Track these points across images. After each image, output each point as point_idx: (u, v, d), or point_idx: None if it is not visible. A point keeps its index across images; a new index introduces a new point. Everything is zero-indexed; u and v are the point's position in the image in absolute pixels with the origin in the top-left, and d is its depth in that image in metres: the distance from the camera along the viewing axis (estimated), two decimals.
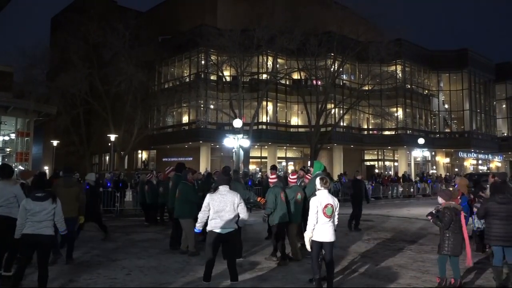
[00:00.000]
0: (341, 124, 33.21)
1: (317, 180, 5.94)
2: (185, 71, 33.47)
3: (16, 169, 22.18)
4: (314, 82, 30.24)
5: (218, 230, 5.57)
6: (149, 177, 13.97)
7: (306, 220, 6.00)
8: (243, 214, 5.72)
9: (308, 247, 5.78)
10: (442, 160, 40.69)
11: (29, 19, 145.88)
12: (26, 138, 31.15)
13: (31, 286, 5.80)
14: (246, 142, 22.86)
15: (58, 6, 63.18)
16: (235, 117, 25.43)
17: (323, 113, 29.48)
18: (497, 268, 6.02)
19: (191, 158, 31.90)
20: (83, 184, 10.03)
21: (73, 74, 27.76)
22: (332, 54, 29.64)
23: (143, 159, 38.37)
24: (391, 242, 9.89)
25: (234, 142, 21.81)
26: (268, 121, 32.11)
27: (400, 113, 35.72)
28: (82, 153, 33.83)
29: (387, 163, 37.96)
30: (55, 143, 37.31)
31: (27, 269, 5.74)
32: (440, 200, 6.24)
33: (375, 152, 37.57)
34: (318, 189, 5.87)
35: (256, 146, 31.81)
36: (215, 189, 5.79)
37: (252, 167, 31.74)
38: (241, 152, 23.59)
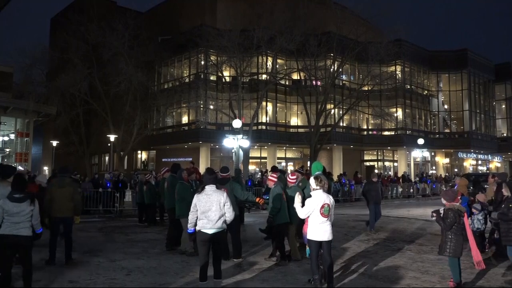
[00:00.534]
0: (341, 124, 33.22)
1: (312, 180, 5.91)
2: (185, 71, 33.46)
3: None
4: (314, 82, 30.23)
5: (205, 230, 5.56)
6: (148, 178, 14.00)
7: (303, 221, 6.03)
8: (229, 213, 5.69)
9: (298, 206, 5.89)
10: (442, 160, 40.71)
11: (29, 19, 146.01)
12: (25, 139, 31.16)
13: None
14: (245, 143, 22.86)
15: (58, 6, 63.28)
16: (235, 118, 25.42)
17: (322, 113, 29.47)
18: None
19: (190, 159, 31.85)
20: (83, 184, 10.00)
21: (73, 74, 27.71)
22: (332, 54, 29.62)
23: (143, 159, 38.37)
24: (391, 242, 9.88)
25: (234, 143, 21.82)
26: (267, 122, 32.11)
27: (399, 113, 35.74)
28: (81, 153, 33.80)
29: (386, 163, 37.99)
30: (54, 143, 37.30)
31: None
32: (443, 201, 6.20)
33: (375, 153, 37.58)
34: (314, 189, 5.84)
35: (255, 147, 31.81)
36: (202, 189, 5.78)
37: (251, 167, 31.75)
38: (241, 153, 23.60)
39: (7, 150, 31.81)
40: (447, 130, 39.97)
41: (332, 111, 32.00)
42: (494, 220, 7.70)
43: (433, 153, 39.65)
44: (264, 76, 31.29)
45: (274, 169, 11.27)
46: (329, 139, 30.96)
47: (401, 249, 8.98)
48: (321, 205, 5.66)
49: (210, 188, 5.71)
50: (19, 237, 5.33)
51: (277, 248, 7.76)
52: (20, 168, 25.22)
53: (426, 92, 38.24)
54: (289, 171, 13.04)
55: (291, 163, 34.79)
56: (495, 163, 46.05)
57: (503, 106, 44.37)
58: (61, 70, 29.10)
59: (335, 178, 23.65)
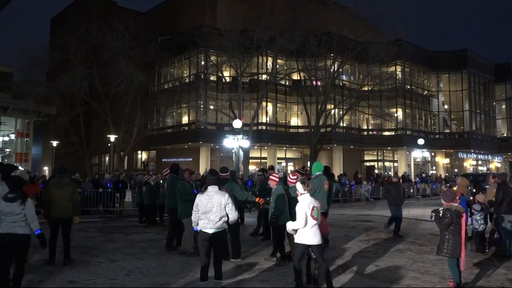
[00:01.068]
0: (341, 124, 33.22)
1: (299, 185, 5.85)
2: (185, 71, 33.47)
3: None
4: (314, 82, 30.23)
5: (206, 230, 5.60)
6: (147, 178, 14.01)
7: None
8: (231, 215, 5.70)
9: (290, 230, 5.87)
10: (442, 160, 40.71)
11: (29, 19, 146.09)
12: (25, 139, 31.18)
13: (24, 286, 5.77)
14: (245, 143, 22.86)
15: (58, 6, 63.30)
16: (235, 118, 25.42)
17: (322, 113, 29.47)
18: None
19: (190, 159, 31.92)
20: (83, 184, 10.00)
21: (73, 74, 27.71)
22: (332, 54, 29.62)
23: (143, 159, 38.37)
24: (391, 242, 9.88)
25: (234, 143, 21.82)
26: (267, 122, 32.10)
27: (399, 113, 35.73)
28: (81, 153, 33.80)
29: (386, 163, 37.98)
30: (54, 143, 37.31)
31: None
32: (442, 201, 6.21)
33: (375, 153, 37.59)
34: (301, 193, 5.77)
35: (255, 147, 31.80)
36: (204, 190, 5.80)
37: (251, 167, 31.75)
38: (241, 153, 23.61)
39: (7, 150, 31.83)
40: (447, 130, 39.97)
41: (332, 111, 31.99)
42: None
43: (433, 153, 39.66)
44: (264, 76, 31.29)
45: (263, 170, 11.21)
46: (329, 139, 30.95)
47: (401, 249, 8.99)
48: (311, 208, 5.65)
49: (212, 189, 5.72)
50: (15, 235, 5.36)
51: (277, 248, 7.76)
52: (20, 168, 25.22)
53: (426, 92, 38.24)
54: (275, 170, 12.84)
55: (291, 163, 34.80)
56: (495, 163, 46.05)
57: (503, 106, 44.37)
58: (61, 70, 29.11)
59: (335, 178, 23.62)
